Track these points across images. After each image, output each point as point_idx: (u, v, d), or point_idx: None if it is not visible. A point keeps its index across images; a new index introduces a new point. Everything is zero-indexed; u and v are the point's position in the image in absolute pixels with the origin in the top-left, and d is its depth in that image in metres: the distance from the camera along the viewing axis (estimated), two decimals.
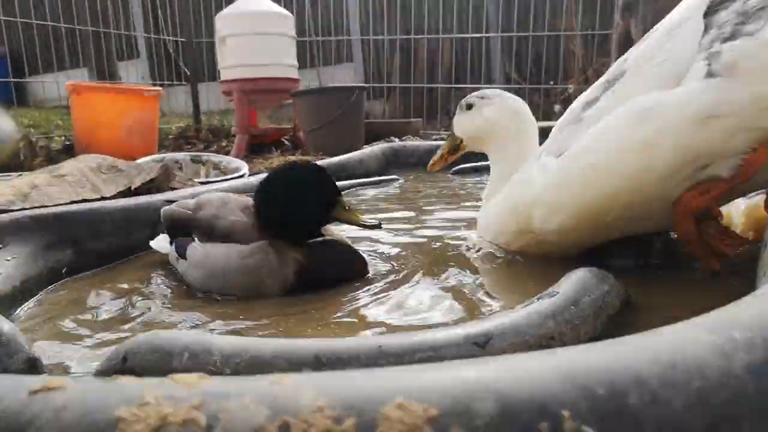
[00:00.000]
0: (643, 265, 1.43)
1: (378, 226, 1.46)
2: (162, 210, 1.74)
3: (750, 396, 0.48)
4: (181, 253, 1.56)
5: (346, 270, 1.47)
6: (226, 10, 5.39)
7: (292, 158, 4.36)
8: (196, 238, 1.54)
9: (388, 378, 0.49)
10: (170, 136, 6.00)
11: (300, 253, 1.42)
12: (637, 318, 1.13)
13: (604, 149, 1.12)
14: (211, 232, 1.50)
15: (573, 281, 1.09)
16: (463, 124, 1.77)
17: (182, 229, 1.62)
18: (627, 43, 4.32)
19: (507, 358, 0.51)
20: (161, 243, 1.79)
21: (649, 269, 1.42)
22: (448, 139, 1.85)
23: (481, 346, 0.88)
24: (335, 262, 1.46)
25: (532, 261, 1.50)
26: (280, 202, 1.43)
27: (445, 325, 1.16)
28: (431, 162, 1.86)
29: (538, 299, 1.02)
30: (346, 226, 1.63)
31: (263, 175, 1.62)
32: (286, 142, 5.60)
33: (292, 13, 5.69)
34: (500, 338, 0.89)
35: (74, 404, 0.46)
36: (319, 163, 3.33)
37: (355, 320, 1.23)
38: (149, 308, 1.42)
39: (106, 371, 0.89)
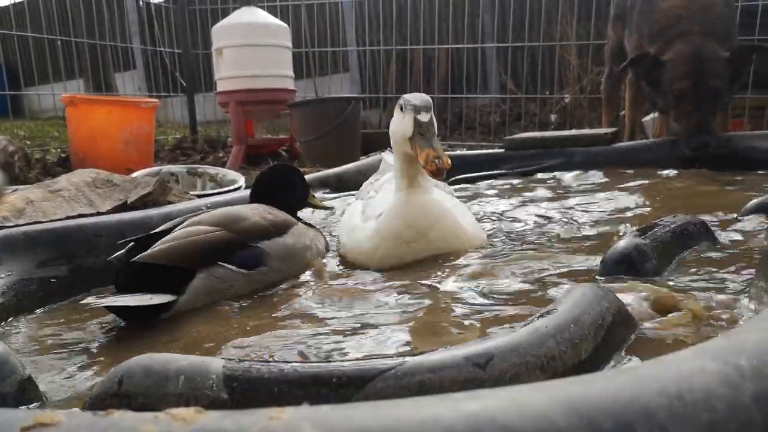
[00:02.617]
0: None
1: (331, 208, 2.32)
2: (164, 250, 1.44)
3: (758, 427, 0.47)
4: (255, 263, 1.60)
5: None
6: (222, 22, 5.40)
7: None
8: (257, 244, 1.62)
9: (388, 412, 0.48)
10: (167, 147, 5.99)
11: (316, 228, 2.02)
12: (636, 335, 1.12)
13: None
14: (271, 231, 1.69)
15: (573, 298, 1.08)
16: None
17: (220, 250, 1.53)
18: (620, 52, 4.33)
19: (510, 390, 0.49)
20: (139, 298, 1.37)
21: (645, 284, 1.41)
22: (437, 139, 1.71)
23: (482, 367, 0.86)
24: None
25: None
26: (292, 192, 2.00)
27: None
28: (442, 161, 1.59)
29: (538, 317, 1.01)
30: None
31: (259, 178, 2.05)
32: (283, 153, 5.60)
33: (288, 23, 5.70)
34: (501, 359, 0.87)
35: None
36: (316, 174, 3.33)
37: None
38: (151, 326, 1.40)
39: (101, 395, 0.87)
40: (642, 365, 0.55)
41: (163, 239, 1.48)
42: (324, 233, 2.09)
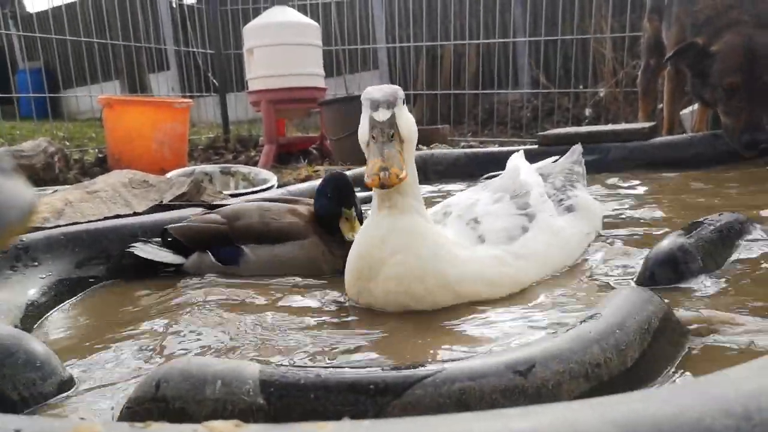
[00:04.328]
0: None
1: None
2: (176, 227, 1.88)
3: None
4: (230, 260, 1.82)
5: None
6: (254, 22, 5.44)
7: (320, 168, 4.36)
8: (242, 245, 1.81)
9: (433, 429, 0.45)
10: (200, 147, 6.07)
11: (341, 246, 1.76)
12: (684, 340, 1.08)
13: None
14: (264, 235, 1.81)
15: (617, 302, 1.04)
16: (410, 121, 1.36)
17: (210, 240, 1.84)
18: (657, 46, 4.20)
19: (560, 408, 0.47)
20: (155, 252, 1.89)
21: (691, 288, 1.36)
22: (393, 143, 1.28)
23: (523, 375, 0.84)
24: None
25: None
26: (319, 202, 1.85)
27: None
28: (389, 173, 1.23)
29: (581, 322, 0.97)
30: None
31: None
32: (314, 151, 5.62)
33: (318, 22, 5.71)
34: (543, 366, 0.84)
35: None
36: (347, 173, 3.32)
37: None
38: (190, 328, 1.41)
39: (138, 399, 0.87)
40: (702, 381, 0.51)
41: (191, 219, 1.92)
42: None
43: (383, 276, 1.34)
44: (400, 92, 1.35)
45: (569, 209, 1.72)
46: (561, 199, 1.74)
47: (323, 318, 1.40)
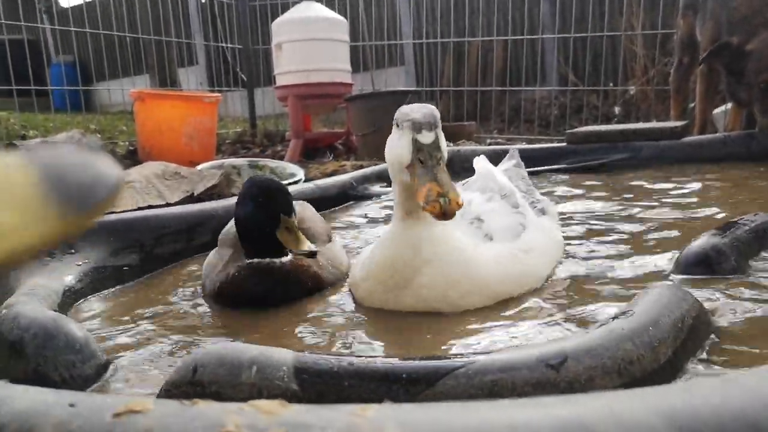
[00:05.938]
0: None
1: (310, 255, 1.44)
2: None
3: None
4: None
5: (277, 294, 1.46)
6: (282, 17, 5.48)
7: (346, 163, 4.38)
8: None
9: (474, 415, 0.46)
10: (227, 141, 6.15)
11: (236, 269, 1.46)
12: (718, 339, 1.07)
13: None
14: None
15: (650, 300, 1.03)
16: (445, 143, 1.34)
17: None
18: (691, 43, 4.13)
19: (606, 397, 0.47)
20: None
21: (723, 285, 1.34)
22: (441, 167, 1.25)
23: (555, 369, 0.84)
24: (264, 283, 1.45)
25: None
26: (236, 215, 1.51)
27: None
28: (449, 200, 1.19)
29: (613, 319, 0.97)
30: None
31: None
32: (339, 147, 5.65)
33: (345, 17, 5.73)
34: (576, 360, 0.84)
35: (157, 430, 0.46)
36: (373, 168, 3.33)
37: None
38: (215, 312, 1.44)
39: (176, 382, 0.90)
40: (743, 375, 0.51)
41: None
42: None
43: (417, 284, 1.33)
44: (437, 112, 1.32)
45: (543, 212, 1.75)
46: (532, 202, 1.76)
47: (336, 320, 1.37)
